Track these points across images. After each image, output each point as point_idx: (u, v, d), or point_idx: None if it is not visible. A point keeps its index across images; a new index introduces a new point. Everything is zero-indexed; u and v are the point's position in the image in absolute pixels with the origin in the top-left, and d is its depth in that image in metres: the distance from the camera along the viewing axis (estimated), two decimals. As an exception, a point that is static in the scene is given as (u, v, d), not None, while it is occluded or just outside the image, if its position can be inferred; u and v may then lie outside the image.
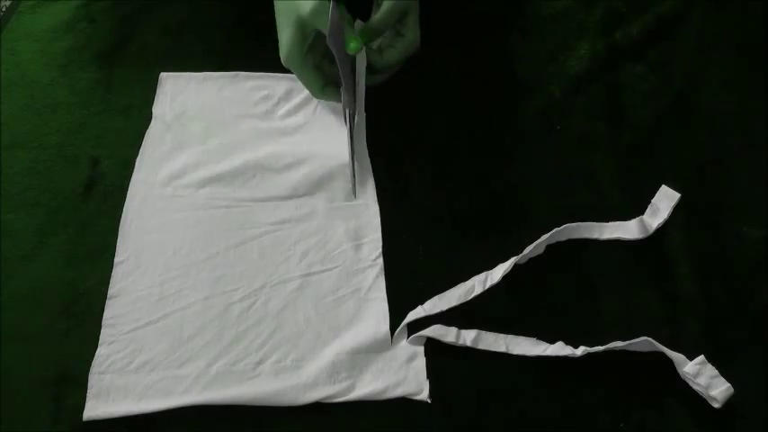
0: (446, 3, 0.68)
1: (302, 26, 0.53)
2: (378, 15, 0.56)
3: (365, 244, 0.52)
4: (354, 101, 0.56)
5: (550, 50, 0.65)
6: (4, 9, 0.70)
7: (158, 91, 0.61)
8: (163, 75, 0.62)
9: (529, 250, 0.50)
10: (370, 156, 0.57)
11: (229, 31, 0.67)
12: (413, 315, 0.48)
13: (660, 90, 0.62)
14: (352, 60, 0.56)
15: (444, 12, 0.68)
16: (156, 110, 0.60)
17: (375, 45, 0.59)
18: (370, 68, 0.57)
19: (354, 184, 0.54)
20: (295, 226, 0.53)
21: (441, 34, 0.66)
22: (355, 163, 0.55)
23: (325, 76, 0.57)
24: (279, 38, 0.55)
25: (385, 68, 0.59)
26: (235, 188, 0.55)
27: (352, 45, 0.52)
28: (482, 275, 0.50)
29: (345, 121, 0.56)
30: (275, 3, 0.55)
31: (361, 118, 0.58)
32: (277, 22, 0.56)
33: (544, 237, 0.51)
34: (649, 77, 0.63)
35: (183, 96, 0.61)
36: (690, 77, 0.63)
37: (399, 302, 0.49)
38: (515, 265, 0.50)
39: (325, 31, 0.52)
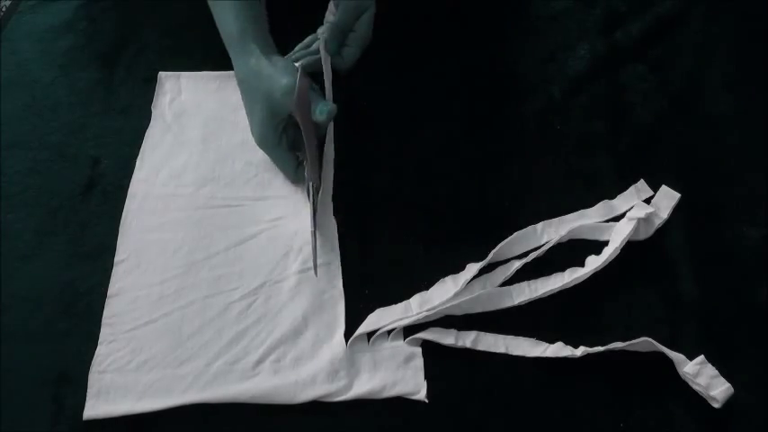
0: (446, 3, 0.69)
1: (274, 108, 0.51)
2: (341, 14, 0.57)
3: None
4: (319, 174, 0.53)
5: (550, 50, 0.65)
6: (4, 9, 0.70)
7: (157, 91, 0.61)
8: (162, 74, 0.62)
9: (531, 258, 0.50)
10: (370, 156, 0.57)
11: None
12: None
13: (660, 90, 0.62)
14: (318, 130, 0.53)
15: (444, 12, 0.68)
16: (155, 110, 0.60)
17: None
18: (335, 73, 0.57)
19: (316, 263, 0.49)
20: (292, 221, 0.53)
21: (441, 34, 0.67)
22: (317, 239, 0.50)
23: (298, 156, 0.54)
24: (249, 120, 0.54)
25: (347, 69, 0.59)
26: (235, 188, 0.55)
27: (322, 110, 0.50)
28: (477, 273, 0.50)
29: (308, 197, 0.53)
30: (239, 85, 0.54)
31: (326, 188, 0.54)
32: (244, 104, 0.54)
33: (548, 245, 0.51)
34: (649, 77, 0.63)
35: (182, 96, 0.61)
36: (690, 77, 0.63)
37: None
38: (515, 266, 0.50)
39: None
